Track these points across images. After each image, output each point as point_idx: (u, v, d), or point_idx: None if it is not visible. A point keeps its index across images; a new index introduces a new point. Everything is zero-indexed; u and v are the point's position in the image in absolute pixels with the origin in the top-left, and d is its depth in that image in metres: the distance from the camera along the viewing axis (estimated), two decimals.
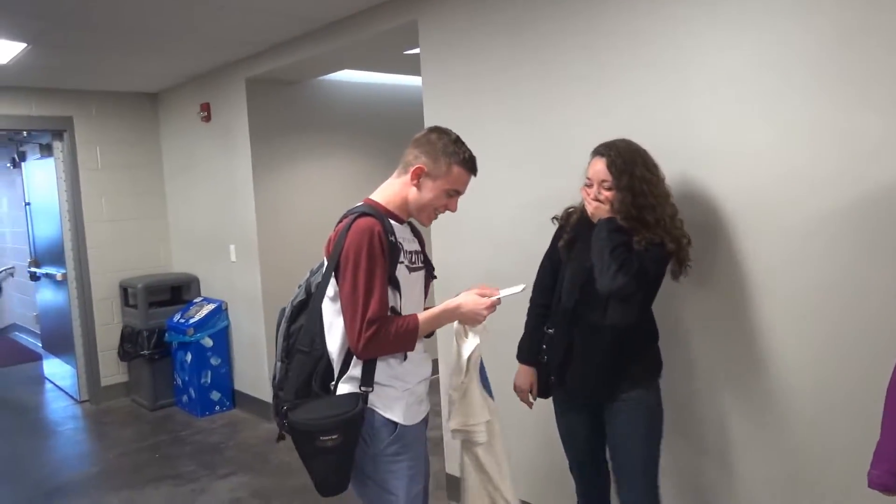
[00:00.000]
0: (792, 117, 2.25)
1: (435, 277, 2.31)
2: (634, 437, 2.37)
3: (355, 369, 2.05)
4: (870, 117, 2.07)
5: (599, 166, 2.28)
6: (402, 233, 2.12)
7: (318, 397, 2.06)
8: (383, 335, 1.97)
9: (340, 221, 2.10)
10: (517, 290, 2.15)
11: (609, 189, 2.26)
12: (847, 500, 2.18)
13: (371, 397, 2.05)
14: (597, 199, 2.29)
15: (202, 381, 5.47)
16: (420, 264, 2.20)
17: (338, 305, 2.04)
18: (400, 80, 5.61)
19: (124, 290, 5.95)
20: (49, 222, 6.14)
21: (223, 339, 5.60)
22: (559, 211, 2.61)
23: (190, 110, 5.65)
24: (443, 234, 3.55)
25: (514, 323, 2.67)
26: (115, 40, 4.22)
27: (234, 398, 5.66)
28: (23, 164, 6.63)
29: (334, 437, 1.98)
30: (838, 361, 2.22)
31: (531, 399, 2.62)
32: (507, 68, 3.16)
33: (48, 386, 6.66)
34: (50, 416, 5.86)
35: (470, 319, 2.14)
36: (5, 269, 9.09)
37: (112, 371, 6.04)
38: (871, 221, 2.11)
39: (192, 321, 5.48)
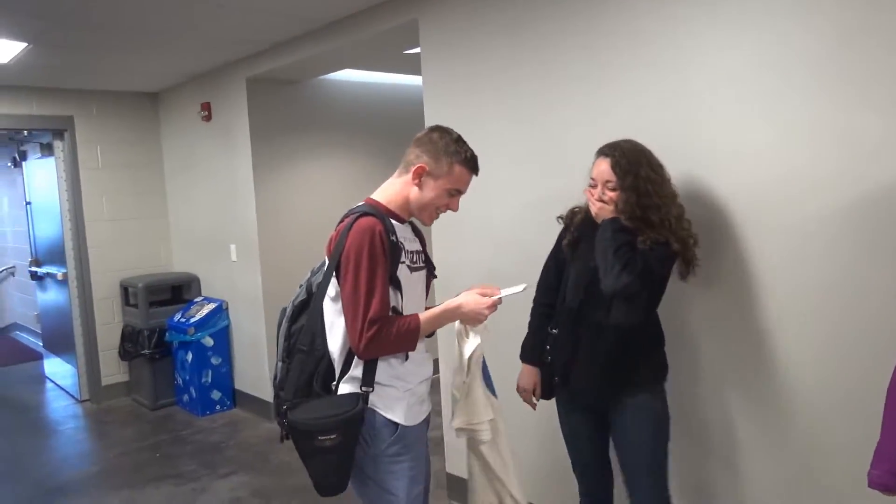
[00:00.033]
0: (792, 117, 2.24)
1: (435, 277, 2.31)
2: (643, 442, 2.35)
3: (356, 369, 2.05)
4: (870, 117, 2.07)
5: (604, 166, 2.27)
6: (403, 232, 2.11)
7: (318, 397, 2.06)
8: (385, 335, 1.97)
9: (342, 221, 2.10)
10: (518, 290, 2.14)
11: (613, 189, 2.25)
12: (854, 500, 2.16)
13: (372, 398, 2.04)
14: (601, 200, 2.29)
15: (203, 380, 5.48)
16: (421, 264, 2.20)
17: (339, 305, 2.04)
18: (400, 79, 5.61)
19: (125, 290, 5.96)
20: (50, 222, 6.14)
21: (224, 339, 5.61)
22: (560, 210, 2.61)
23: (190, 110, 5.65)
24: (443, 234, 3.55)
25: (519, 323, 2.66)
26: (115, 40, 4.22)
27: (234, 397, 5.66)
28: (23, 163, 6.63)
29: (333, 436, 1.98)
30: (842, 361, 2.21)
31: (534, 400, 2.61)
32: (508, 68, 3.16)
33: (49, 385, 6.66)
34: (51, 416, 5.86)
35: (471, 319, 2.14)
36: (6, 269, 9.09)
37: (113, 370, 6.05)
38: (873, 221, 2.10)
39: (192, 321, 5.48)
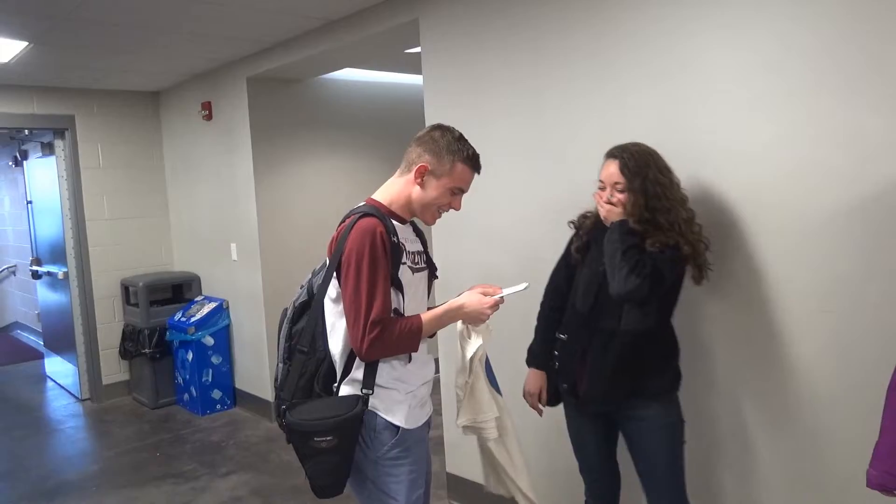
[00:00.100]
0: (795, 117, 2.24)
1: (437, 277, 2.29)
2: (659, 453, 2.33)
3: (357, 371, 2.04)
4: (883, 114, 2.06)
5: (612, 168, 2.26)
6: (404, 233, 2.10)
7: (318, 398, 2.05)
8: (387, 337, 1.96)
9: (343, 221, 2.09)
10: (519, 289, 2.12)
11: (622, 191, 2.24)
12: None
13: (373, 400, 2.03)
14: (609, 202, 2.27)
15: (203, 379, 5.48)
16: (423, 265, 2.19)
17: (340, 307, 2.02)
18: (401, 78, 5.61)
19: (125, 289, 5.96)
20: (51, 221, 6.15)
21: (224, 338, 5.61)
22: (560, 207, 2.62)
23: (191, 109, 5.65)
24: (444, 234, 3.55)
25: (527, 326, 2.65)
26: (116, 39, 4.23)
27: (235, 397, 5.67)
28: (24, 162, 6.64)
29: (329, 438, 1.97)
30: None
31: (540, 406, 2.59)
32: (508, 67, 3.16)
33: (50, 384, 6.67)
34: (51, 415, 5.86)
35: (473, 319, 2.12)
36: (7, 268, 9.10)
37: (113, 369, 6.05)
38: (879, 218, 2.10)
39: (193, 320, 5.48)
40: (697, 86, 2.49)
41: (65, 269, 5.94)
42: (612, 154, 2.29)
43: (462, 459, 3.67)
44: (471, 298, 2.10)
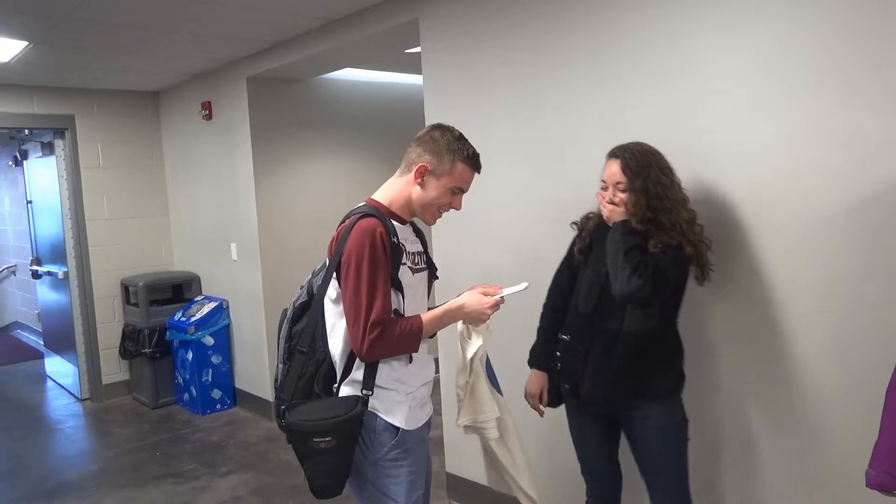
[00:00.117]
0: (795, 117, 2.24)
1: (437, 278, 2.28)
2: (662, 453, 2.33)
3: (357, 372, 2.03)
4: (883, 114, 2.06)
5: (614, 168, 2.26)
6: (404, 234, 2.09)
7: (318, 398, 2.04)
8: (387, 337, 1.95)
9: (343, 222, 2.08)
10: (520, 289, 2.12)
11: (624, 191, 2.23)
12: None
13: (373, 401, 2.02)
14: (612, 202, 2.26)
15: (203, 379, 5.48)
16: (423, 265, 2.18)
17: (340, 308, 2.02)
18: (401, 78, 5.61)
19: (125, 289, 5.96)
20: (51, 220, 6.15)
21: (224, 338, 5.61)
22: (560, 208, 2.61)
23: (191, 109, 5.65)
24: (444, 234, 3.55)
25: (529, 326, 2.65)
26: (116, 39, 4.23)
27: (234, 396, 5.67)
28: (24, 162, 6.64)
29: (328, 439, 1.96)
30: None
31: (541, 407, 2.59)
32: (508, 67, 3.16)
33: (50, 384, 6.67)
34: (51, 414, 5.86)
35: (474, 319, 2.12)
36: (7, 267, 9.10)
37: (113, 369, 6.05)
38: (879, 217, 2.10)
39: (193, 319, 5.49)
40: (697, 86, 2.49)
41: (65, 269, 5.94)
42: (615, 154, 2.29)
43: (462, 459, 3.67)
44: (471, 298, 2.10)
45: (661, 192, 2.21)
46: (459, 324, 2.17)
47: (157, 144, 6.23)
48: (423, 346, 2.12)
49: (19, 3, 3.44)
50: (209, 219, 5.74)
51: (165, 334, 5.68)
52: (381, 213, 2.04)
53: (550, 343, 2.53)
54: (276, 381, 2.16)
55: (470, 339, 2.18)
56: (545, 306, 2.62)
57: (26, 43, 4.18)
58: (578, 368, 2.38)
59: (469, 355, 2.18)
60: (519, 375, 2.64)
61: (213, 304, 5.59)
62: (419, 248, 2.18)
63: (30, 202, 6.71)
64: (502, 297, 2.11)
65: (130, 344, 5.83)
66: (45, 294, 6.67)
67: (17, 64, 4.67)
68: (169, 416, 5.55)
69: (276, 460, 4.43)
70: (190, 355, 5.48)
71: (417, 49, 3.67)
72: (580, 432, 2.54)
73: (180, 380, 5.69)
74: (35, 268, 6.55)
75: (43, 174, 6.19)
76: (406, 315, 2.05)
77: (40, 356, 7.32)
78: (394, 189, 2.12)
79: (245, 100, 5.01)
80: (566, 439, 2.60)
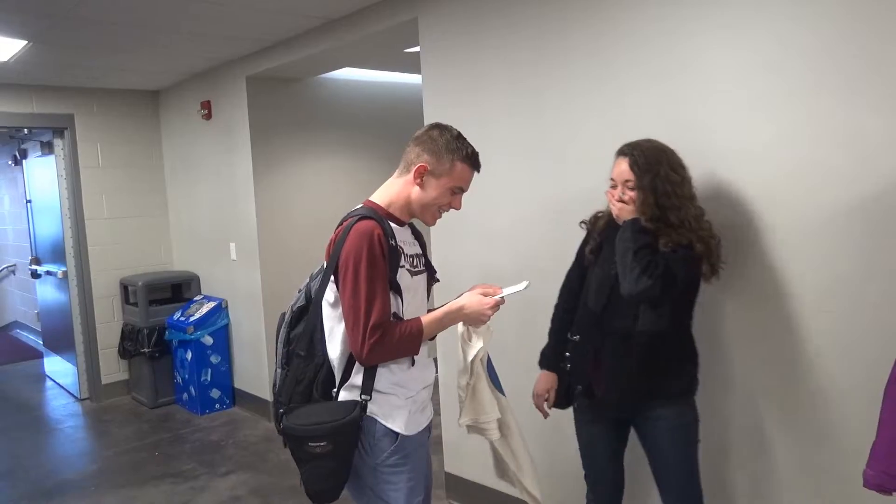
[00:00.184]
0: (795, 116, 2.24)
1: (437, 280, 2.26)
2: (676, 454, 2.32)
3: (356, 376, 2.00)
4: (883, 114, 2.06)
5: (623, 166, 2.23)
6: (402, 235, 2.07)
7: (317, 402, 2.02)
8: (387, 341, 1.93)
9: (340, 224, 2.06)
10: (520, 288, 2.09)
11: (632, 189, 2.21)
12: None
13: (372, 406, 2.00)
14: (621, 200, 2.24)
15: (202, 379, 5.48)
16: (422, 267, 2.16)
17: (338, 311, 1.99)
18: (401, 78, 5.61)
19: (125, 288, 5.96)
20: (50, 220, 6.14)
21: (223, 338, 5.61)
22: (560, 208, 2.60)
23: (191, 108, 5.65)
24: (443, 234, 3.54)
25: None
26: (115, 38, 4.22)
27: (234, 396, 5.66)
28: (24, 161, 6.64)
29: (323, 444, 1.94)
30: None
31: (547, 408, 2.56)
32: (508, 66, 3.16)
33: (49, 384, 6.67)
34: (50, 414, 5.86)
35: (474, 320, 2.09)
36: (7, 267, 9.10)
37: (112, 369, 6.05)
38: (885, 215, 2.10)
39: (192, 319, 5.48)
40: (697, 85, 2.49)
41: (64, 269, 5.94)
42: (623, 151, 2.26)
43: (461, 459, 3.67)
44: (471, 299, 2.07)
45: (669, 190, 2.18)
46: (460, 325, 2.15)
47: (156, 144, 6.22)
48: (422, 349, 2.10)
49: (19, 1, 3.43)
50: (208, 218, 5.74)
51: (164, 334, 5.68)
52: (378, 216, 2.01)
53: (561, 344, 2.51)
54: (274, 385, 2.14)
55: (470, 340, 2.16)
56: (556, 307, 2.60)
57: (25, 42, 4.17)
58: (589, 369, 2.36)
59: (470, 357, 2.16)
60: (525, 376, 2.62)
61: (212, 304, 5.59)
62: (418, 250, 2.16)
63: (29, 202, 6.71)
64: (502, 297, 2.09)
65: (129, 343, 5.82)
66: (45, 294, 6.66)
67: (16, 63, 4.66)
68: (168, 415, 5.54)
69: (275, 460, 4.43)
70: (189, 355, 5.48)
71: (417, 48, 3.66)
72: (588, 435, 2.51)
73: (179, 379, 5.69)
74: (34, 267, 6.55)
75: (42, 174, 6.18)
76: (405, 318, 2.03)
77: (39, 356, 7.31)
78: (392, 190, 2.10)
79: (244, 99, 5.01)
80: (566, 440, 2.59)
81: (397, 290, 1.99)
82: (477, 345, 2.15)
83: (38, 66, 4.85)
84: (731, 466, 2.57)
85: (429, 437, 2.20)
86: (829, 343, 2.24)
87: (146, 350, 5.66)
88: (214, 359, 5.54)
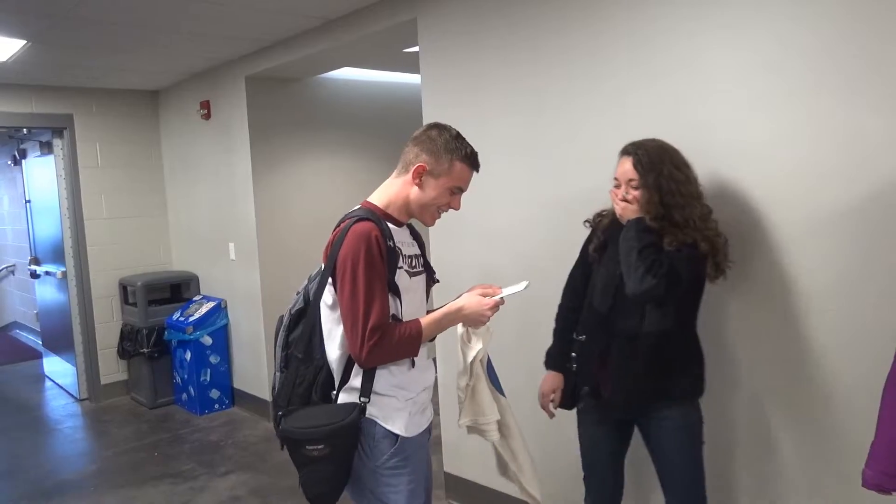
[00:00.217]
0: (795, 116, 2.24)
1: (437, 281, 2.25)
2: (682, 455, 2.31)
3: (356, 379, 1.99)
4: (883, 114, 2.06)
5: (627, 165, 2.23)
6: (400, 236, 2.06)
7: (315, 405, 2.01)
8: (386, 343, 1.91)
9: (338, 226, 2.04)
10: (520, 288, 2.08)
11: (636, 188, 2.20)
12: None
13: (372, 408, 1.99)
14: (625, 200, 2.23)
15: (201, 379, 5.47)
16: (420, 268, 2.14)
17: (337, 314, 1.98)
18: (400, 78, 5.61)
19: (124, 288, 5.95)
20: (49, 220, 6.14)
21: (222, 338, 5.60)
22: (560, 207, 2.59)
23: (190, 108, 5.65)
24: (442, 235, 3.54)
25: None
26: (115, 38, 4.22)
27: (233, 396, 5.66)
28: (23, 161, 6.64)
29: (321, 447, 1.93)
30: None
31: (552, 409, 2.55)
32: (507, 66, 3.15)
33: (48, 384, 6.66)
34: (49, 414, 5.85)
35: (473, 321, 2.08)
36: (6, 267, 9.09)
37: (112, 369, 6.04)
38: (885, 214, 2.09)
39: (191, 319, 5.48)
40: (697, 85, 2.49)
41: (63, 269, 5.93)
42: (627, 151, 2.26)
43: (460, 459, 3.67)
44: (470, 300, 2.06)
45: (674, 189, 2.17)
46: (459, 327, 2.14)
47: (155, 144, 6.22)
48: (422, 350, 2.08)
49: (18, 1, 3.43)
50: (207, 218, 5.74)
51: (164, 334, 5.68)
52: (376, 217, 2.00)
53: (566, 344, 2.49)
54: (273, 389, 2.12)
55: (470, 342, 2.15)
56: (560, 307, 2.58)
57: (25, 42, 4.17)
58: (595, 369, 2.35)
59: (469, 358, 2.15)
60: (526, 377, 2.61)
61: (211, 304, 5.59)
62: (416, 250, 2.15)
63: (28, 202, 6.71)
64: (502, 297, 2.08)
65: (129, 344, 5.82)
66: (44, 294, 6.66)
67: (15, 63, 4.66)
68: (167, 415, 5.54)
69: (275, 460, 4.42)
70: (188, 355, 5.47)
71: (416, 48, 3.66)
72: (591, 436, 2.49)
73: (178, 380, 5.68)
74: (33, 267, 6.55)
75: (41, 173, 6.18)
76: (404, 319, 2.01)
77: (39, 356, 7.31)
78: (391, 191, 2.09)
79: (243, 99, 5.01)
80: (566, 441, 2.58)
81: (396, 292, 1.98)
82: (476, 346, 2.14)
83: (37, 66, 4.84)
84: (735, 467, 2.56)
85: (429, 439, 2.18)
86: (836, 342, 2.23)
87: (145, 350, 5.66)
88: (214, 359, 5.54)
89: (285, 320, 2.11)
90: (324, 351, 2.02)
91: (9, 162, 7.43)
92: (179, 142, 5.99)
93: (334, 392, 2.01)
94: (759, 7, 2.29)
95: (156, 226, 6.25)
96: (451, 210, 2.13)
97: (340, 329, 1.97)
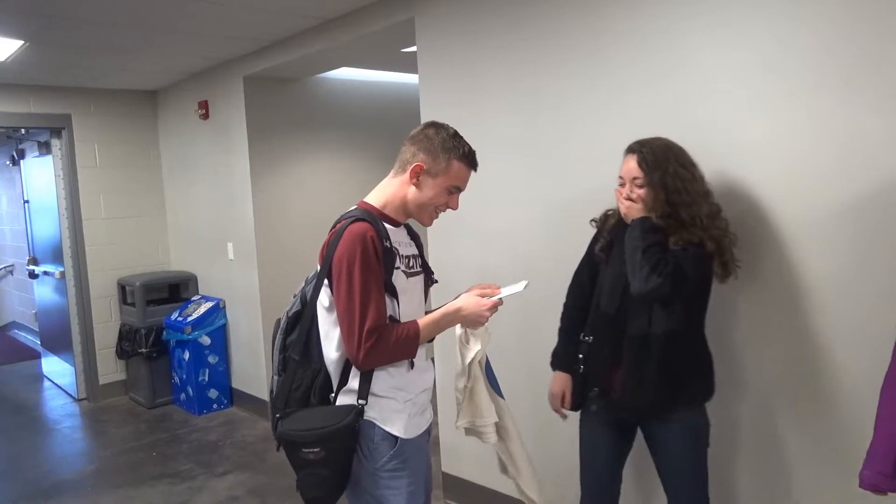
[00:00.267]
0: (794, 116, 2.24)
1: (435, 282, 2.23)
2: (687, 458, 2.29)
3: (354, 381, 1.97)
4: (882, 114, 2.05)
5: (631, 164, 2.21)
6: (397, 236, 2.04)
7: (314, 407, 1.99)
8: (383, 345, 1.90)
9: (333, 227, 2.02)
10: (519, 289, 2.06)
11: (641, 186, 2.18)
12: None
13: (371, 410, 1.97)
14: (629, 198, 2.21)
15: (200, 379, 5.47)
16: (418, 269, 2.12)
17: (334, 316, 1.96)
18: (398, 77, 5.60)
19: (122, 288, 5.95)
20: (47, 220, 6.13)
21: (221, 338, 5.60)
22: (559, 207, 2.58)
23: (188, 108, 5.64)
24: (440, 234, 3.53)
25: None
26: (113, 38, 4.21)
27: (231, 396, 5.65)
28: (21, 161, 6.63)
29: (316, 450, 1.92)
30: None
31: (564, 411, 2.52)
32: (505, 65, 3.15)
33: (47, 384, 6.66)
34: (48, 414, 5.85)
35: (472, 322, 2.06)
36: (4, 267, 9.08)
37: (110, 369, 6.03)
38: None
39: (189, 319, 5.47)
40: (696, 85, 2.48)
41: (61, 269, 5.93)
42: (632, 149, 2.24)
43: (459, 459, 3.67)
44: (468, 301, 2.04)
45: (680, 187, 2.15)
46: (457, 327, 2.13)
47: (153, 144, 6.21)
48: (421, 352, 2.06)
49: (16, 1, 3.42)
50: (206, 218, 5.73)
51: (162, 334, 5.67)
52: (372, 217, 1.98)
53: (573, 344, 2.46)
54: (271, 392, 2.10)
55: (468, 343, 2.13)
56: (566, 306, 2.56)
57: (22, 42, 4.16)
58: (604, 371, 2.32)
59: (468, 360, 2.13)
60: (526, 379, 2.60)
61: (209, 304, 5.58)
62: (414, 251, 2.13)
63: (27, 202, 6.70)
64: (501, 298, 2.06)
65: (127, 344, 5.81)
66: (42, 294, 6.65)
67: (13, 63, 4.65)
68: (165, 415, 5.53)
69: (273, 460, 4.41)
70: (187, 355, 5.47)
71: (413, 48, 3.65)
72: (593, 441, 2.47)
73: (177, 380, 5.68)
74: (32, 267, 6.54)
75: (40, 174, 6.17)
76: (402, 320, 1.99)
77: (37, 356, 7.30)
78: (388, 191, 2.07)
79: (241, 99, 5.00)
80: (563, 442, 2.57)
81: (393, 293, 1.96)
82: (475, 347, 2.12)
83: (35, 66, 4.83)
84: (740, 469, 2.55)
85: (428, 441, 2.17)
86: (841, 341, 2.22)
87: (144, 350, 5.65)
88: (212, 359, 5.53)
89: (282, 323, 2.09)
90: (321, 353, 2.00)
91: (7, 162, 7.42)
92: (178, 142, 5.98)
93: (333, 395, 1.99)
94: (759, 7, 2.28)
95: (154, 226, 6.24)
96: (449, 210, 2.10)
97: (338, 331, 1.96)
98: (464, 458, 3.62)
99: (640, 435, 2.44)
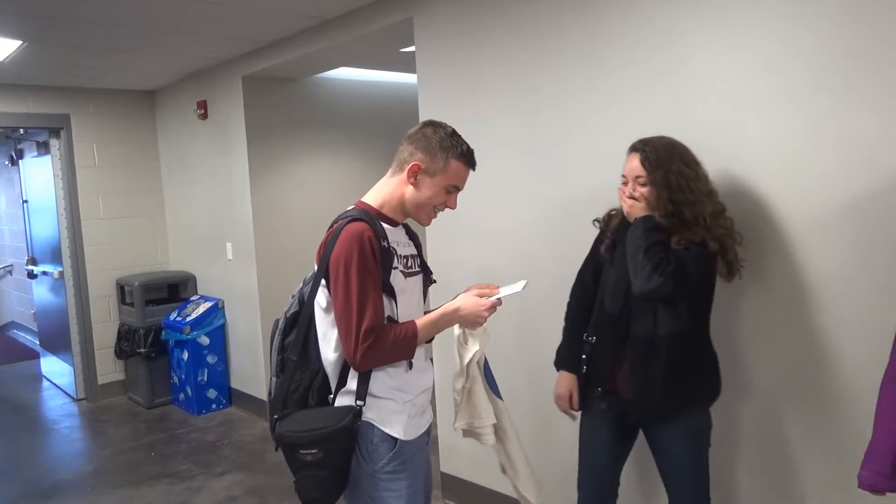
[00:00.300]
0: (794, 116, 2.23)
1: (434, 282, 2.22)
2: (689, 458, 2.29)
3: (352, 382, 1.96)
4: (882, 114, 2.05)
5: (634, 162, 2.20)
6: (395, 236, 2.02)
7: (312, 409, 1.98)
8: (381, 345, 1.89)
9: (331, 227, 2.01)
10: (518, 289, 2.04)
11: (644, 185, 2.17)
12: None
13: (369, 412, 1.96)
14: (632, 197, 2.20)
15: (199, 379, 5.46)
16: (417, 268, 2.11)
17: (331, 316, 1.95)
18: (397, 77, 5.60)
19: (121, 288, 5.94)
20: (46, 220, 6.12)
21: (220, 338, 5.59)
22: (558, 207, 2.57)
23: (187, 108, 5.63)
24: (438, 234, 3.53)
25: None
26: (111, 38, 4.20)
27: (230, 396, 5.65)
28: (20, 161, 6.63)
29: (314, 451, 1.91)
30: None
31: (572, 411, 2.50)
32: (504, 65, 3.14)
33: (45, 384, 6.65)
34: (47, 414, 5.84)
35: (470, 322, 2.05)
36: (3, 267, 9.07)
37: (109, 369, 6.03)
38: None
39: (188, 319, 5.47)
40: (696, 84, 2.48)
41: (60, 269, 5.92)
42: (635, 147, 2.23)
43: (457, 459, 3.66)
44: (467, 301, 2.03)
45: (683, 185, 2.14)
46: (456, 328, 2.12)
47: (152, 144, 6.21)
48: (420, 352, 2.05)
49: (15, 1, 3.41)
50: (205, 218, 5.72)
51: (161, 334, 5.67)
52: (370, 216, 1.97)
53: (577, 344, 2.45)
54: (269, 394, 2.09)
55: (466, 343, 2.13)
56: (569, 305, 2.55)
57: (21, 42, 4.15)
58: (608, 372, 2.31)
59: (466, 360, 2.13)
60: (525, 380, 2.59)
61: (208, 304, 5.57)
62: (412, 250, 2.12)
63: (25, 202, 6.69)
64: (499, 298, 2.04)
65: (126, 344, 5.81)
66: (41, 294, 6.65)
67: (11, 63, 4.64)
68: (164, 416, 5.52)
69: (271, 460, 4.41)
70: (185, 355, 5.46)
71: (412, 48, 3.65)
72: (594, 440, 2.46)
73: (176, 380, 5.67)
74: (31, 267, 6.53)
75: (38, 174, 6.16)
76: (400, 321, 1.98)
77: (36, 356, 7.29)
78: (386, 190, 2.05)
79: (240, 99, 4.99)
80: (562, 443, 2.57)
81: (390, 293, 1.95)
82: (473, 348, 2.12)
83: (33, 66, 4.83)
84: (741, 468, 2.55)
85: (428, 442, 2.15)
86: (846, 341, 2.22)
87: (142, 350, 5.65)
88: (211, 359, 5.53)
89: (280, 324, 2.08)
90: (319, 354, 1.99)
91: (6, 162, 7.42)
92: (177, 142, 5.97)
93: (331, 396, 1.98)
94: (759, 7, 2.28)
95: (153, 226, 6.24)
96: (447, 209, 2.09)
97: (335, 332, 1.95)
98: (462, 458, 3.62)
99: (640, 435, 2.43)
